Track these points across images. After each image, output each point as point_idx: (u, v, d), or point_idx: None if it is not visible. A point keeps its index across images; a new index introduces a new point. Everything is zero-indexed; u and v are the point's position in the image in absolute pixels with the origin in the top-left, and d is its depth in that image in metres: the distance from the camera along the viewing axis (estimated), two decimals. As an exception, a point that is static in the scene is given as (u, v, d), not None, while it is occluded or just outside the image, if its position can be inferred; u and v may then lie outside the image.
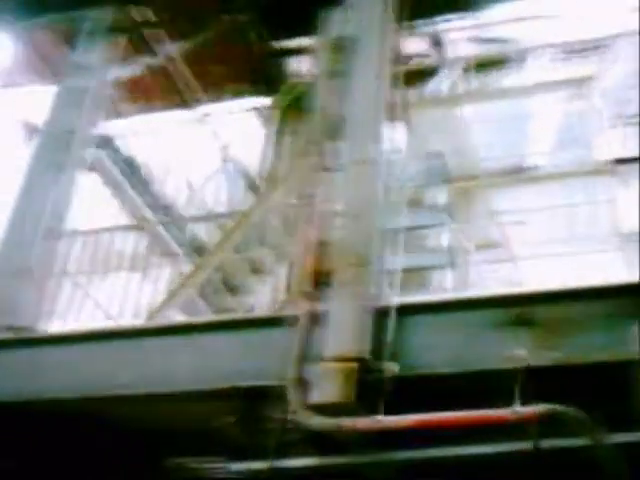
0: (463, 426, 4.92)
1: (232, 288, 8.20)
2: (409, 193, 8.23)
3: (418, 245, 8.58)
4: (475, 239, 9.54)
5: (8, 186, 7.98)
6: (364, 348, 5.37)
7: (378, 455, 5.29)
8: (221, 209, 9.82)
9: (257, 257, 8.22)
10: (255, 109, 10.25)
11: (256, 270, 8.30)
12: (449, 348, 5.31)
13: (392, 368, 5.21)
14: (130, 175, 9.55)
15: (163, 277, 9.30)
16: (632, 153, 9.45)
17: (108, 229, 9.41)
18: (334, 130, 6.71)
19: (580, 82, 10.04)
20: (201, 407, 5.66)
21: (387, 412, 5.10)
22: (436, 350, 5.34)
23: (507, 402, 4.83)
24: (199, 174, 10.16)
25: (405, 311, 5.46)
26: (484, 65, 10.25)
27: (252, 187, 9.79)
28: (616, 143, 9.84)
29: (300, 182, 7.68)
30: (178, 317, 7.51)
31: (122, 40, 8.48)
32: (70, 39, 8.61)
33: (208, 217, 9.82)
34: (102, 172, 9.00)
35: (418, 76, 9.95)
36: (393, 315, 5.47)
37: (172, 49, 9.13)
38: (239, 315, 6.68)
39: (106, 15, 8.49)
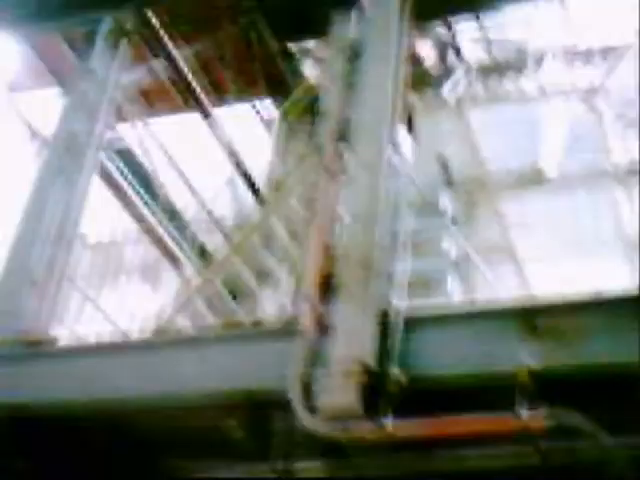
0: (470, 434, 4.93)
1: (239, 296, 8.20)
2: (416, 198, 8.25)
3: (424, 250, 8.57)
4: (481, 244, 9.53)
5: (16, 190, 7.99)
6: (370, 355, 5.36)
7: (384, 460, 5.30)
8: (228, 215, 9.82)
9: (264, 264, 8.20)
10: (264, 113, 10.24)
11: (263, 277, 8.30)
12: (456, 355, 5.31)
13: (399, 375, 5.22)
14: (138, 181, 9.54)
15: (171, 284, 9.30)
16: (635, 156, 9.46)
17: (116, 236, 9.43)
18: (342, 134, 6.70)
19: (588, 87, 10.04)
20: (209, 415, 5.68)
21: (394, 417, 5.10)
22: (442, 357, 5.35)
23: (514, 409, 4.84)
24: (206, 180, 10.16)
25: (412, 319, 5.47)
26: (493, 69, 10.26)
27: (259, 192, 9.79)
28: (622, 147, 9.84)
29: (307, 186, 7.68)
30: (186, 326, 7.51)
31: (131, 45, 8.45)
32: (79, 44, 8.62)
33: (215, 224, 9.80)
34: (110, 178, 9.00)
35: (427, 80, 9.97)
36: (400, 322, 5.48)
37: (181, 53, 9.14)
38: (246, 328, 6.66)
39: (116, 19, 8.47)
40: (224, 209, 9.97)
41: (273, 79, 9.84)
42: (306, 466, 5.55)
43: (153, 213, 9.69)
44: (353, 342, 5.45)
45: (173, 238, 9.70)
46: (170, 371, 5.80)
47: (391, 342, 5.37)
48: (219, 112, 9.92)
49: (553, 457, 4.93)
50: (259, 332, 6.09)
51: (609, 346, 4.99)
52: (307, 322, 5.63)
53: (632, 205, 9.25)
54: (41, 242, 7.22)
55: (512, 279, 9.21)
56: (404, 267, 6.17)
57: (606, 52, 10.06)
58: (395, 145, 6.63)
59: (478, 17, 9.66)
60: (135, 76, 8.75)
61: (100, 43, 8.36)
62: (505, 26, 10.15)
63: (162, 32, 8.88)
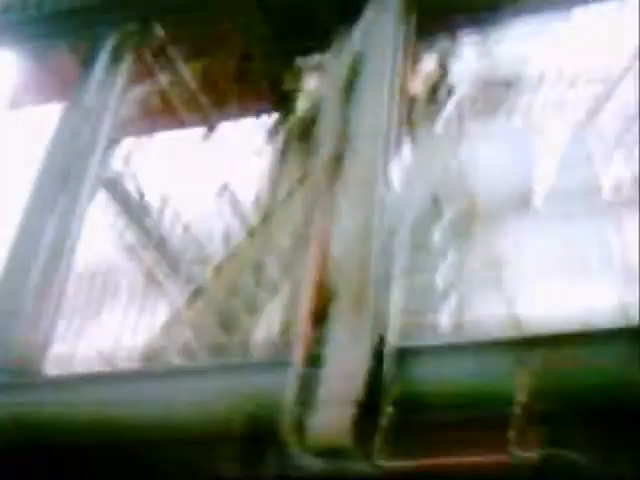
0: (463, 471, 4.94)
1: (228, 324, 8.20)
2: (412, 217, 8.27)
3: (420, 270, 8.58)
4: (477, 264, 9.54)
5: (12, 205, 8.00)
6: (363, 387, 5.37)
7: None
8: (219, 239, 9.79)
9: (253, 292, 8.20)
10: (264, 128, 10.23)
11: (254, 306, 8.29)
12: (448, 386, 5.34)
13: (391, 406, 5.22)
14: (133, 198, 9.53)
15: (160, 309, 9.28)
16: (634, 178, 9.48)
17: (107, 259, 9.42)
18: (339, 148, 6.72)
19: (587, 107, 10.05)
20: (199, 450, 5.68)
21: (386, 448, 5.11)
22: (435, 387, 5.36)
23: (506, 438, 4.87)
24: (202, 196, 10.14)
25: (404, 350, 5.48)
26: (492, 86, 10.27)
27: (255, 210, 9.79)
28: (620, 166, 9.86)
29: (303, 211, 7.67)
30: (175, 356, 7.50)
31: (135, 59, 8.46)
32: (84, 58, 8.61)
33: (205, 248, 9.78)
34: (104, 193, 8.98)
35: (427, 94, 9.98)
36: (392, 353, 5.48)
37: (185, 68, 9.14)
38: (237, 359, 6.68)
39: (121, 34, 8.48)
40: (215, 231, 9.94)
41: (276, 95, 9.83)
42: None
43: (142, 239, 9.67)
44: (345, 373, 5.46)
45: (162, 265, 9.68)
46: (160, 402, 5.80)
47: (384, 373, 5.38)
48: (221, 127, 9.92)
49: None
50: (250, 363, 6.11)
51: (600, 377, 5.02)
52: (299, 353, 5.62)
53: (627, 229, 9.27)
54: (35, 267, 7.21)
55: (508, 299, 9.22)
56: (401, 288, 6.18)
57: (606, 72, 10.08)
58: (393, 160, 6.64)
59: (479, 33, 9.67)
60: (139, 90, 8.75)
61: (105, 58, 8.38)
62: (505, 43, 10.16)
63: (166, 47, 8.89)
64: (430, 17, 7.92)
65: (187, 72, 9.19)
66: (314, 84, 9.67)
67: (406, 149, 8.24)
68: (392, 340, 5.55)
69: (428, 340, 5.94)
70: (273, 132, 9.87)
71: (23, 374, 6.58)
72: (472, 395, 5.18)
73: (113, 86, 8.23)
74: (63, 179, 7.66)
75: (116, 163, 8.96)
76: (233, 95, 9.41)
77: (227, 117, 9.84)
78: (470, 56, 9.86)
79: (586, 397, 4.98)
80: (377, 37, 7.29)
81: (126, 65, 8.36)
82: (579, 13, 8.78)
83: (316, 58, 9.55)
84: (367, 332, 5.61)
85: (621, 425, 4.85)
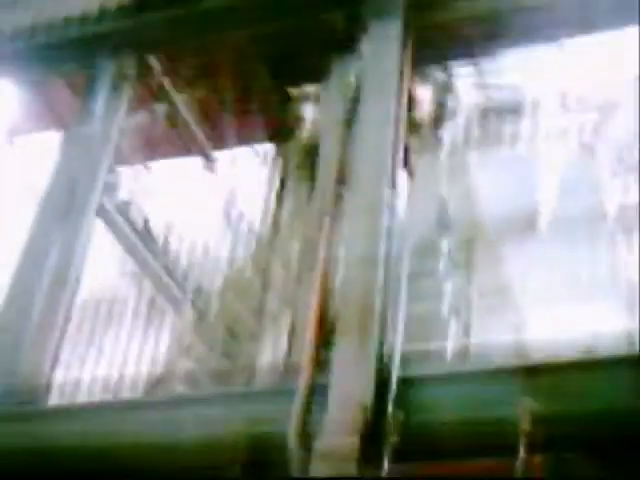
0: (469, 477, 4.95)
1: (232, 352, 8.20)
2: (414, 243, 8.29)
3: (424, 294, 8.60)
4: (480, 289, 9.57)
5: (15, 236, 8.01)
6: (369, 403, 5.38)
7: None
8: (221, 267, 9.82)
9: (256, 320, 8.21)
10: (263, 157, 10.27)
11: (255, 334, 8.30)
12: (455, 403, 5.35)
13: (395, 437, 5.23)
14: (135, 227, 9.56)
15: (163, 337, 9.29)
16: (636, 202, 9.49)
17: (113, 283, 9.44)
18: (342, 177, 6.75)
19: (586, 131, 10.09)
20: (203, 477, 5.69)
21: (391, 465, 5.12)
22: (442, 404, 5.38)
23: (510, 472, 4.86)
24: (204, 224, 10.18)
25: (408, 381, 5.50)
26: (491, 113, 10.31)
27: (257, 238, 9.82)
28: (619, 191, 9.88)
29: (306, 232, 7.71)
30: (178, 384, 7.51)
31: (132, 89, 8.51)
32: (81, 88, 8.67)
33: (212, 269, 9.81)
34: (107, 221, 9.01)
35: (426, 123, 10.02)
36: (399, 369, 5.50)
37: (182, 98, 9.21)
38: (240, 387, 6.69)
39: (118, 64, 8.54)
40: (221, 255, 9.97)
41: (273, 123, 9.88)
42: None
43: (145, 267, 9.69)
44: (349, 401, 5.47)
45: (165, 292, 9.70)
46: (164, 430, 5.81)
47: (388, 401, 5.39)
48: (220, 156, 9.96)
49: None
50: (254, 391, 6.13)
51: (604, 405, 5.01)
52: (303, 381, 5.63)
53: (630, 249, 9.29)
54: (36, 287, 7.22)
55: (511, 324, 9.24)
56: (404, 314, 6.19)
57: (604, 97, 10.12)
58: (395, 189, 6.66)
59: (476, 62, 9.71)
60: (137, 120, 8.81)
61: (102, 87, 8.43)
62: (503, 70, 10.21)
63: (163, 77, 8.95)
64: (427, 48, 7.97)
65: (184, 103, 9.26)
66: (312, 114, 9.73)
67: (408, 177, 8.27)
68: (396, 368, 5.56)
69: (432, 368, 5.93)
70: (272, 162, 9.92)
71: (26, 403, 6.59)
72: (476, 423, 5.19)
73: (113, 116, 8.27)
74: (65, 208, 7.69)
75: (118, 191, 8.99)
76: (230, 125, 9.47)
77: (225, 147, 9.90)
78: (468, 86, 9.92)
79: (590, 424, 4.98)
80: (375, 67, 7.34)
81: (126, 95, 8.41)
82: (575, 41, 8.83)
83: (313, 88, 9.62)
84: (371, 360, 5.62)
85: (624, 452, 4.84)
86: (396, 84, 7.21)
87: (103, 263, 9.27)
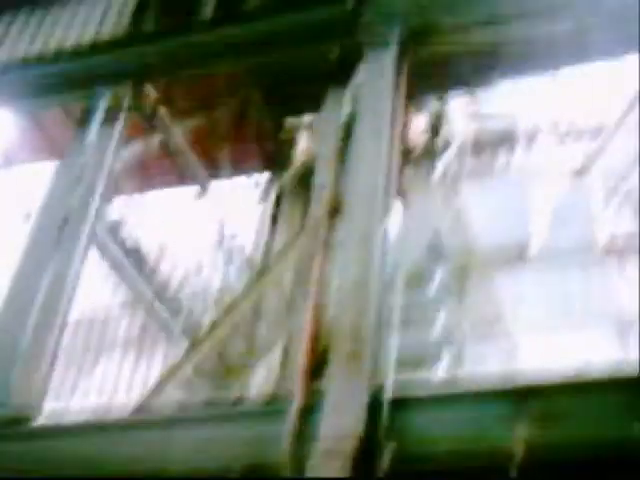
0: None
1: (224, 377, 8.19)
2: (407, 271, 8.31)
3: (417, 324, 8.61)
4: (472, 317, 9.57)
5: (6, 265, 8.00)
6: (361, 432, 5.36)
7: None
8: (218, 288, 9.84)
9: (249, 346, 8.21)
10: (256, 186, 10.31)
11: (248, 360, 8.29)
12: (447, 432, 5.33)
13: (388, 451, 5.21)
14: (128, 254, 9.57)
15: (158, 359, 9.29)
16: (628, 231, 9.53)
17: (105, 309, 9.44)
18: (336, 208, 6.76)
19: (580, 162, 10.15)
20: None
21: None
22: (434, 434, 5.36)
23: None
24: (196, 252, 10.21)
25: (401, 404, 5.48)
26: (485, 144, 10.37)
27: (250, 266, 9.84)
28: (613, 222, 9.92)
29: (299, 261, 7.72)
30: (174, 401, 7.48)
31: (128, 119, 8.54)
32: (77, 118, 8.70)
33: (205, 296, 9.83)
34: (100, 250, 9.02)
35: (419, 154, 10.07)
36: (391, 398, 5.49)
37: (176, 127, 9.24)
38: (232, 409, 6.67)
39: (114, 95, 8.57)
40: (214, 282, 9.99)
41: (268, 152, 9.93)
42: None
43: (137, 293, 9.69)
44: (342, 425, 5.44)
45: (158, 318, 9.70)
46: (156, 451, 5.79)
47: (380, 425, 5.37)
48: (214, 185, 9.99)
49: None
50: (246, 412, 6.08)
51: (597, 429, 5.01)
52: (296, 404, 5.62)
53: (621, 279, 9.32)
54: (26, 315, 7.22)
55: (503, 351, 9.24)
56: (396, 342, 6.19)
57: (598, 128, 10.18)
58: (388, 217, 6.67)
59: (471, 92, 9.79)
60: (132, 150, 8.83)
61: (98, 117, 8.45)
62: (497, 100, 10.28)
63: (159, 108, 8.99)
64: (422, 78, 8.01)
65: (179, 131, 9.29)
66: (306, 143, 9.78)
67: (401, 205, 8.29)
68: (388, 392, 5.55)
69: (424, 392, 5.91)
70: (266, 190, 9.95)
71: (17, 425, 6.56)
72: (469, 446, 5.17)
73: (108, 145, 8.27)
74: (58, 235, 7.68)
75: (111, 219, 9.01)
76: (225, 154, 9.51)
77: (220, 176, 9.92)
78: (462, 115, 9.99)
79: (583, 449, 4.96)
80: (370, 97, 7.36)
81: (120, 124, 8.42)
82: (568, 70, 8.90)
83: (308, 117, 9.67)
84: (363, 388, 5.60)
85: (617, 477, 4.83)
86: (391, 114, 7.22)
87: (96, 289, 9.28)
